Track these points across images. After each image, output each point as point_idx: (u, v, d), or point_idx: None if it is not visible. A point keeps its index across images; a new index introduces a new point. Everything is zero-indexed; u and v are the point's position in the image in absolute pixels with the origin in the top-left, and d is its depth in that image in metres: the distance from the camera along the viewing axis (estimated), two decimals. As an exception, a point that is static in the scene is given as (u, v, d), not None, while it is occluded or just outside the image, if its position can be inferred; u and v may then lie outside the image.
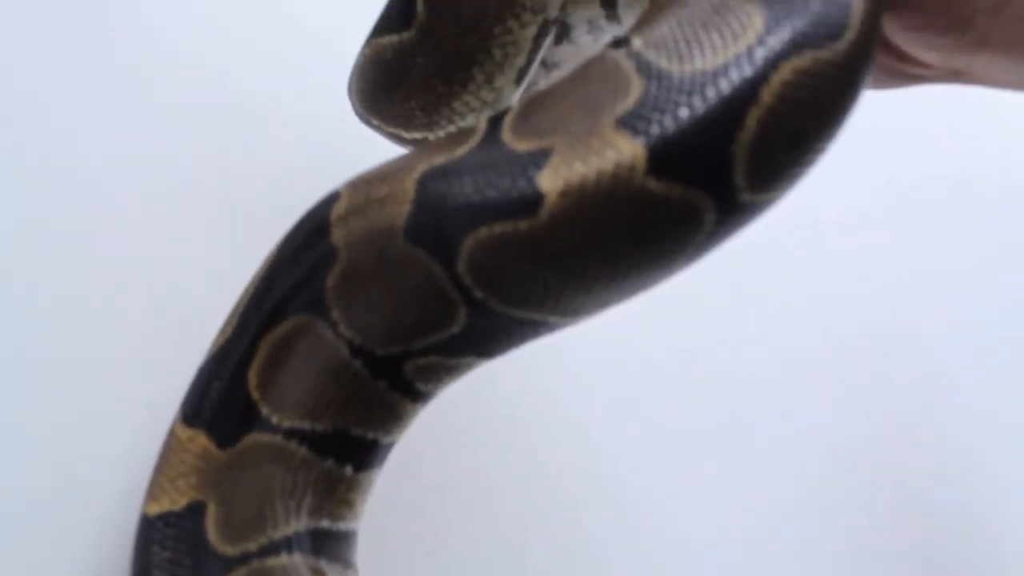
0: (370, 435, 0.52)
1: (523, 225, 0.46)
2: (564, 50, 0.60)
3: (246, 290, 0.54)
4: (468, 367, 0.52)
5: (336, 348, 0.51)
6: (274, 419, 0.51)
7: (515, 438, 0.65)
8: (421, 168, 0.49)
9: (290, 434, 0.51)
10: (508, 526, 0.63)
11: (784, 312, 0.77)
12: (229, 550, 0.49)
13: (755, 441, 0.72)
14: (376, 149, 0.54)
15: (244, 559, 0.49)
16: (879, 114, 0.65)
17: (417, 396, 0.52)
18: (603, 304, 0.49)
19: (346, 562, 0.51)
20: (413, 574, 0.59)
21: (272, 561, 0.49)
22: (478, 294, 0.48)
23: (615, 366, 0.70)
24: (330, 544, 0.51)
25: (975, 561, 0.76)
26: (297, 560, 0.49)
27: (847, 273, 0.79)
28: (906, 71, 0.54)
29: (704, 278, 0.69)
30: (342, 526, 0.51)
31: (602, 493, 0.66)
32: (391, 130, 0.61)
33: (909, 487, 0.78)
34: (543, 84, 0.61)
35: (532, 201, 0.45)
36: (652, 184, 0.44)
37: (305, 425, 0.51)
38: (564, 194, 0.45)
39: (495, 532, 0.63)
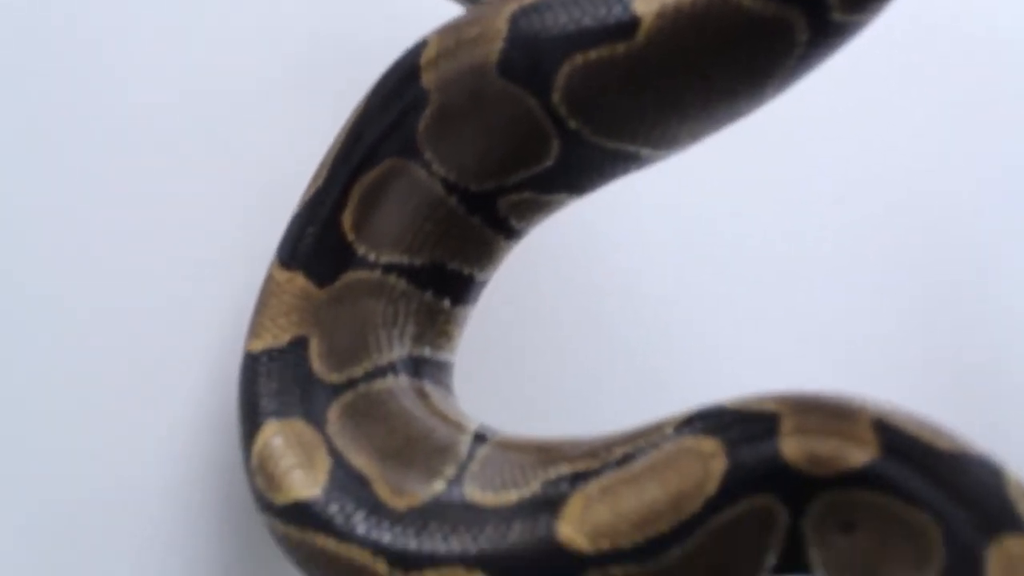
0: (466, 270, 0.53)
1: (620, 48, 0.47)
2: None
3: (336, 140, 0.55)
4: (559, 204, 0.54)
5: (431, 186, 0.52)
6: (371, 256, 0.52)
7: (579, 291, 0.68)
8: (511, 8, 0.50)
9: (388, 269, 0.52)
10: (574, 366, 0.66)
11: (840, 179, 0.79)
12: (335, 377, 0.51)
13: (808, 306, 0.75)
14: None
15: (351, 384, 0.51)
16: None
17: (510, 233, 0.53)
18: (694, 134, 0.51)
19: (448, 388, 0.53)
20: (500, 403, 0.60)
21: (378, 384, 0.51)
22: (572, 124, 0.49)
23: (674, 232, 0.71)
24: (431, 370, 0.52)
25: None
26: (403, 381, 0.51)
27: (900, 142, 0.80)
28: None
29: (758, 146, 0.71)
30: (441, 356, 0.53)
31: (661, 342, 0.69)
32: None
33: (965, 353, 0.81)
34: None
35: (628, 24, 0.47)
36: (747, 1, 0.45)
37: (403, 260, 0.52)
38: (660, 15, 0.46)
39: (564, 372, 0.66)
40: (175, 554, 0.54)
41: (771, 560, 0.44)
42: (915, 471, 0.41)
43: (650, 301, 0.70)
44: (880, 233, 0.80)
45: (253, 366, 0.52)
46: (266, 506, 0.49)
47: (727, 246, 0.73)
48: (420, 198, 0.52)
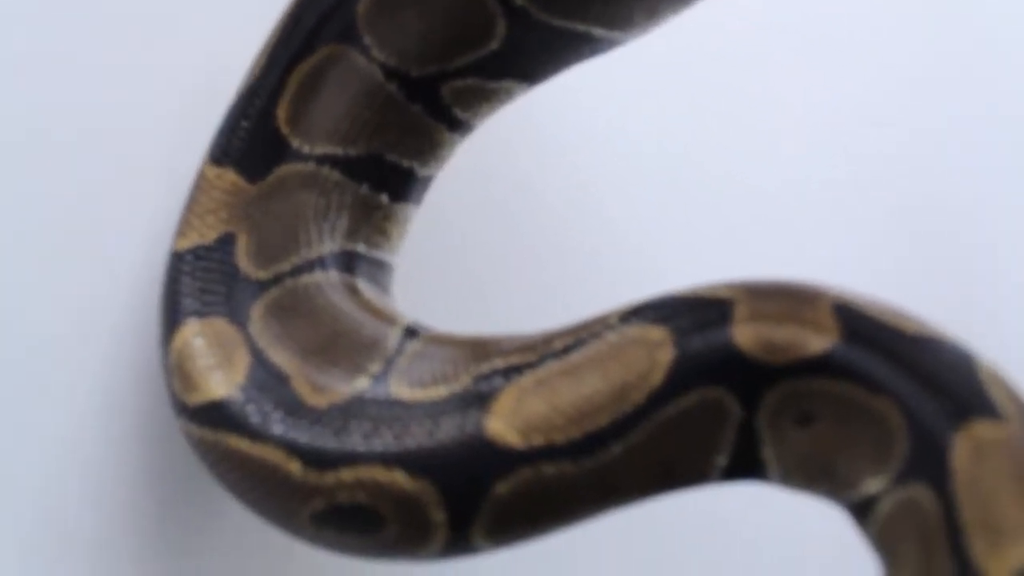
0: (405, 163, 0.49)
1: None
2: None
3: (274, 29, 0.51)
4: (507, 94, 0.50)
5: (370, 73, 0.48)
6: (305, 149, 0.49)
7: (527, 188, 0.65)
8: None
9: (322, 160, 0.48)
10: (526, 272, 0.64)
11: (830, 119, 0.76)
12: (262, 274, 0.47)
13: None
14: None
15: (278, 280, 0.47)
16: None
17: (454, 123, 0.50)
18: (651, 12, 0.47)
19: (385, 288, 0.49)
20: (444, 307, 0.57)
21: (306, 279, 0.47)
22: (518, 1, 0.46)
23: (633, 136, 0.69)
24: (365, 267, 0.48)
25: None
26: (332, 276, 0.47)
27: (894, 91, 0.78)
28: None
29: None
30: (377, 255, 0.49)
31: (613, 250, 0.67)
32: None
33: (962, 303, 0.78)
34: None
35: None
36: None
37: (337, 150, 0.48)
38: None
39: (515, 279, 0.64)
40: (94, 462, 0.51)
41: (721, 461, 0.40)
42: (878, 356, 0.38)
43: (602, 209, 0.66)
44: (874, 180, 0.78)
45: (177, 265, 0.48)
46: (181, 408, 0.45)
47: (690, 164, 0.70)
48: (358, 86, 0.49)
